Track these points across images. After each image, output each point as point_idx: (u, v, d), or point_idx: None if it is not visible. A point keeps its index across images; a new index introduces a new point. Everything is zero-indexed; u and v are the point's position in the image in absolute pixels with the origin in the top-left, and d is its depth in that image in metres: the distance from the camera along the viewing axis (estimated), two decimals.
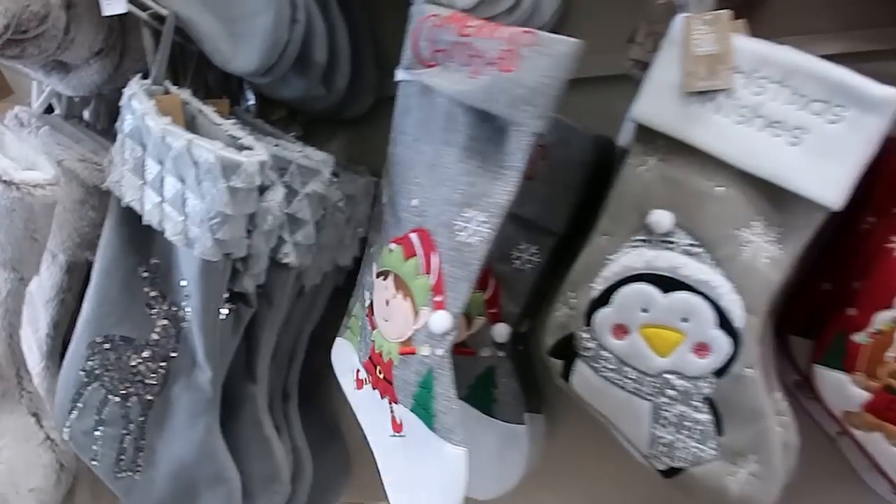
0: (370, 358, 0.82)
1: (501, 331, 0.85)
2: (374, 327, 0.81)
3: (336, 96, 0.91)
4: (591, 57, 0.91)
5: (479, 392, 0.87)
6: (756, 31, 0.82)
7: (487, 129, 0.68)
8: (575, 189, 0.80)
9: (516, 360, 0.88)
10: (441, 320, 0.72)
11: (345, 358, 0.93)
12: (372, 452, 0.85)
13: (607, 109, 0.80)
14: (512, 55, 0.65)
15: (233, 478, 0.85)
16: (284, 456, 0.90)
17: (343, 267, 0.94)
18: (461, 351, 0.86)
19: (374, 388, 0.82)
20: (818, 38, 0.83)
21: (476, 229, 0.69)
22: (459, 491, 0.76)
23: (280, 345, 0.94)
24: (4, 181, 0.77)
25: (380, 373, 0.80)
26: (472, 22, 0.69)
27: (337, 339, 0.94)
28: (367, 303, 0.85)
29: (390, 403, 0.79)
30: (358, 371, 0.89)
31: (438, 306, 0.73)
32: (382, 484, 1.04)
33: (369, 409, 0.83)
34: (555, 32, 0.91)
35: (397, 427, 0.80)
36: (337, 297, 0.99)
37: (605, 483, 0.98)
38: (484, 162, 0.69)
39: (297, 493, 0.96)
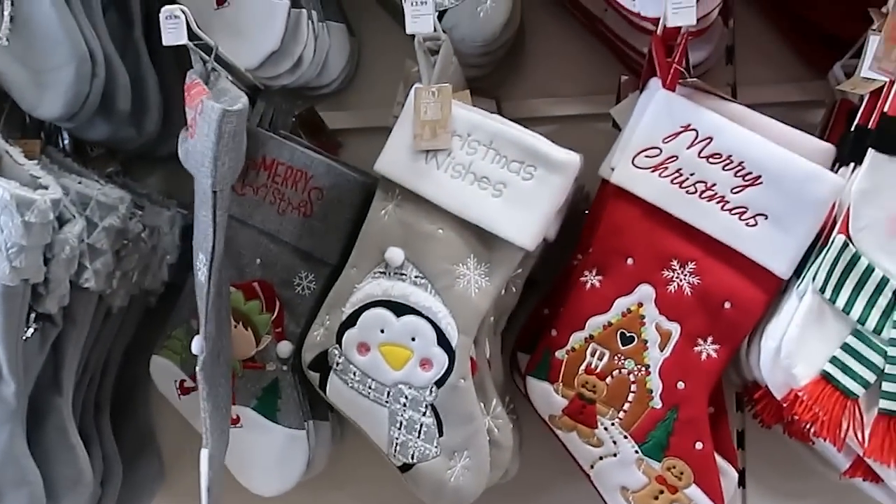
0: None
1: (285, 348, 0.97)
2: None
3: (147, 137, 1.01)
4: (377, 110, 1.05)
5: (265, 401, 0.98)
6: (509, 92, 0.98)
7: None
8: (344, 226, 0.92)
9: (300, 374, 0.99)
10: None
11: (165, 372, 1.03)
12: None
13: None
14: (194, 122, 0.77)
15: (35, 481, 0.94)
16: (87, 461, 0.99)
17: (152, 290, 1.04)
18: (251, 365, 0.98)
19: None
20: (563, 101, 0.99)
21: (201, 268, 0.81)
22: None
23: (90, 360, 1.03)
24: None
25: None
26: (191, 90, 0.80)
27: (154, 356, 1.04)
28: (195, 328, 0.97)
29: None
30: (183, 381, 1.02)
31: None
32: (197, 487, 1.16)
33: (198, 411, 0.94)
34: (343, 89, 1.06)
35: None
36: (149, 317, 1.09)
37: (390, 482, 1.10)
38: (201, 212, 0.81)
39: (107, 494, 1.05)
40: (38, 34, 0.88)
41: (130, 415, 1.13)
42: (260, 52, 0.96)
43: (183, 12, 0.81)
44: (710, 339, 0.82)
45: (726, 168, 0.80)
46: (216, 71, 0.87)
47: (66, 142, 1.03)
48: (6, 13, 0.89)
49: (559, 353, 0.86)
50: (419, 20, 0.80)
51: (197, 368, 0.85)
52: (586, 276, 0.85)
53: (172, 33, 0.82)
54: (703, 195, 0.81)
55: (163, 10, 0.81)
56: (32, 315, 0.91)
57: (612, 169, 0.84)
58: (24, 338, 0.91)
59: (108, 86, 0.91)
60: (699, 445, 0.82)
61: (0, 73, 0.89)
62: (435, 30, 0.79)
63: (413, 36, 0.81)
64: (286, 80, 0.99)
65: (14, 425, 0.93)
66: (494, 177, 0.79)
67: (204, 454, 0.86)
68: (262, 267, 0.96)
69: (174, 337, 1.02)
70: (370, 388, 0.86)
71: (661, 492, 0.83)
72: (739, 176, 0.79)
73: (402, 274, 0.83)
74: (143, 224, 0.98)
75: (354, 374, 0.86)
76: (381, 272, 0.85)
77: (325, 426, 1.03)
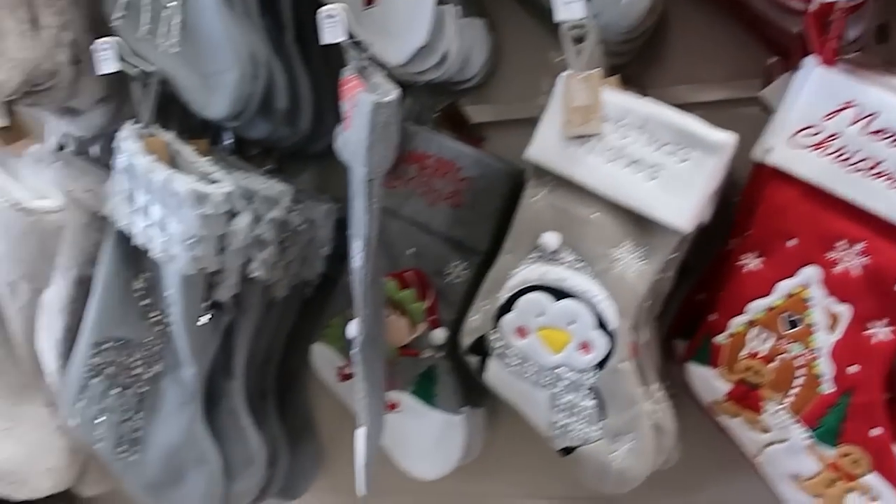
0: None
1: (440, 335, 0.99)
2: None
3: (301, 135, 1.06)
4: (517, 103, 1.06)
5: (422, 387, 1.01)
6: (652, 79, 0.97)
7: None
8: (493, 214, 0.94)
9: (455, 361, 1.02)
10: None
11: (325, 359, 1.08)
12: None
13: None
14: (349, 115, 0.80)
15: (214, 460, 1.00)
16: (260, 443, 1.05)
17: (309, 281, 1.09)
18: (407, 352, 1.01)
19: None
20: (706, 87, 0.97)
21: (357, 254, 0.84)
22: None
23: (255, 349, 1.09)
24: (22, 208, 0.94)
25: None
26: (347, 85, 0.83)
27: (313, 345, 1.09)
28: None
29: None
30: (342, 368, 1.06)
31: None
32: (351, 472, 1.20)
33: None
34: (484, 83, 1.07)
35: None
36: (307, 308, 1.14)
37: (543, 471, 1.11)
38: (356, 201, 0.83)
39: (273, 477, 1.11)
40: (205, 40, 0.94)
41: (290, 402, 1.19)
42: (408, 48, 0.98)
43: (340, 10, 0.84)
44: (883, 321, 0.78)
45: (893, 144, 0.76)
46: (370, 67, 0.90)
47: (229, 141, 1.09)
48: (176, 22, 0.96)
49: (719, 338, 0.84)
50: (569, 7, 0.80)
51: (353, 350, 0.89)
52: (745, 259, 0.83)
53: (330, 31, 0.85)
54: (869, 173, 0.77)
55: (322, 9, 0.85)
56: (206, 304, 0.98)
57: (769, 150, 0.81)
58: (199, 325, 0.97)
59: (267, 87, 0.96)
60: (876, 432, 0.78)
61: (172, 77, 0.95)
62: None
63: (552, 28, 0.81)
64: (432, 76, 1.01)
65: (194, 407, 1.00)
66: (648, 160, 0.78)
67: (360, 433, 0.89)
68: (414, 257, 0.99)
69: (332, 325, 1.07)
70: (529, 371, 0.86)
71: (836, 480, 0.80)
72: None
73: (558, 258, 0.83)
74: (302, 217, 1.02)
75: (514, 357, 0.87)
76: (536, 257, 0.85)
77: (479, 413, 1.05)
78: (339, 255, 1.11)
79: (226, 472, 1.02)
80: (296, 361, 1.18)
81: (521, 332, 0.87)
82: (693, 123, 0.77)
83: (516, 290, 0.86)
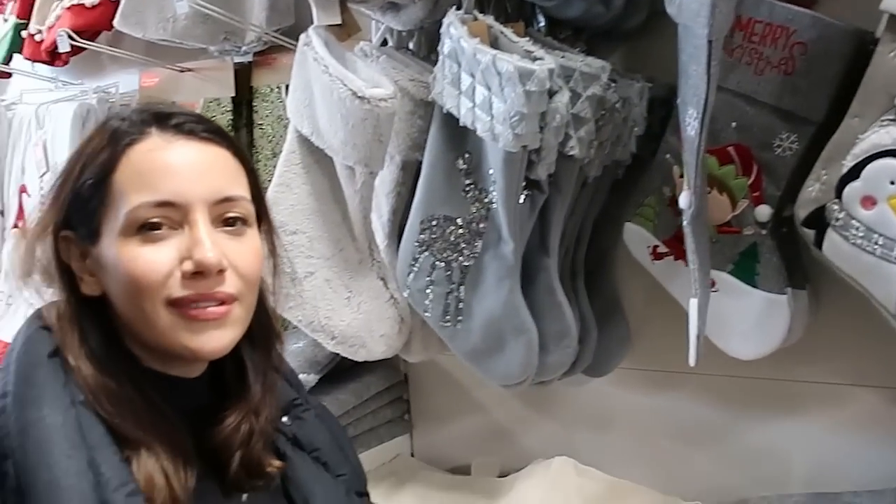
0: (674, 237, 1.00)
1: (763, 211, 0.95)
2: (677, 214, 0.94)
3: (614, 13, 1.04)
4: None
5: (743, 266, 0.98)
6: None
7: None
8: (832, 81, 0.86)
9: (778, 240, 0.97)
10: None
11: (638, 238, 1.09)
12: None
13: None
14: None
15: (532, 330, 1.05)
16: (574, 318, 1.09)
17: (621, 161, 1.09)
18: (726, 230, 0.98)
19: (675, 259, 1.01)
20: None
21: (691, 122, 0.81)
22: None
23: (567, 229, 1.11)
24: (360, 97, 1.02)
25: None
26: None
27: (627, 224, 1.10)
28: (667, 196, 1.02)
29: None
30: (656, 247, 1.06)
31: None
32: (658, 352, 1.20)
33: (670, 275, 1.02)
34: None
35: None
36: (616, 190, 1.14)
37: (867, 358, 1.04)
38: (691, 66, 0.79)
39: (583, 353, 1.14)
40: None
41: (599, 282, 1.21)
42: None
43: None
44: None
45: None
46: None
47: (542, 24, 1.09)
48: None
49: None
50: None
51: (685, 223, 0.88)
52: None
53: None
54: None
55: None
56: (523, 183, 1.01)
57: None
58: (518, 202, 1.01)
59: None
60: None
61: None
62: None
63: None
64: None
65: (512, 280, 1.05)
66: None
67: (693, 304, 0.88)
68: (737, 130, 0.95)
69: (646, 205, 1.06)
70: (876, 244, 0.80)
71: None
72: None
73: None
74: (617, 95, 1.01)
75: (857, 229, 0.81)
76: (890, 119, 0.78)
77: (802, 295, 0.99)
78: (651, 135, 1.10)
79: (541, 345, 1.07)
80: (605, 242, 1.19)
81: (868, 201, 0.80)
82: None
83: (865, 156, 0.80)
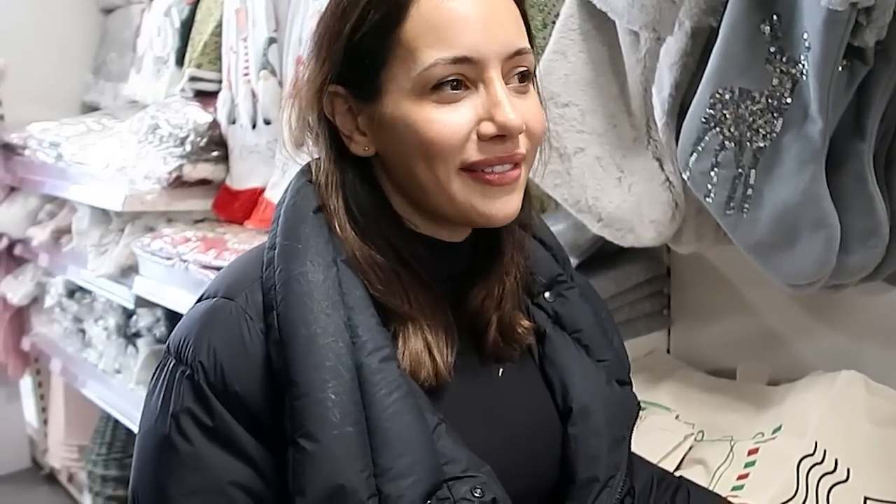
0: None
1: None
2: None
3: None
4: None
5: None
6: None
7: None
8: None
9: None
10: None
11: None
12: None
13: None
14: None
15: (834, 224, 0.92)
16: (886, 214, 0.94)
17: None
18: None
19: None
20: None
21: None
22: None
23: (888, 110, 0.95)
24: None
25: None
26: None
27: None
28: None
29: None
30: None
31: None
32: None
33: None
34: None
35: None
36: None
37: None
38: None
39: (890, 256, 0.99)
40: None
41: None
42: None
43: None
44: None
45: None
46: None
47: None
48: None
49: None
50: None
51: None
52: None
53: None
54: None
55: None
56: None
57: None
58: (838, 71, 0.87)
59: None
60: None
61: None
62: None
63: None
64: None
65: (817, 166, 0.92)
66: None
67: None
68: None
69: None
70: None
71: None
72: None
73: None
74: None
75: None
76: None
77: None
78: None
79: (843, 242, 0.94)
80: None
81: None
82: None
83: None
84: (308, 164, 0.76)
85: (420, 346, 0.70)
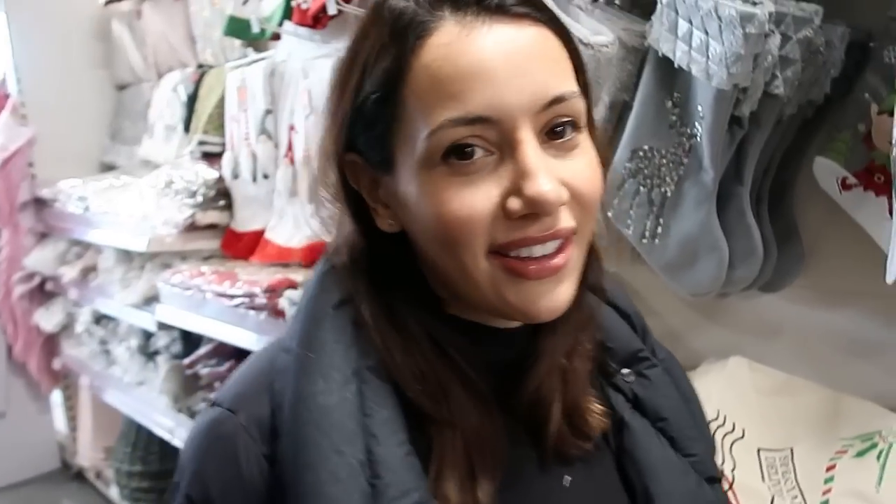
0: (864, 169, 0.90)
1: None
2: (871, 148, 0.85)
3: None
4: None
5: None
6: None
7: None
8: None
9: None
10: None
11: (828, 171, 0.97)
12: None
13: None
14: None
15: (724, 248, 0.99)
16: (760, 239, 1.01)
17: (814, 101, 0.98)
18: None
19: (864, 190, 0.90)
20: None
21: None
22: None
23: (759, 160, 1.02)
24: (584, 43, 0.97)
25: (878, 178, 0.87)
26: None
27: (817, 158, 0.98)
28: (862, 132, 0.91)
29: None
30: (845, 179, 0.94)
31: None
32: (831, 272, 1.10)
33: (858, 205, 0.91)
34: None
35: None
36: (803, 129, 1.03)
37: None
38: None
39: (764, 269, 1.06)
40: None
41: (780, 208, 1.11)
42: None
43: None
44: None
45: None
46: None
47: None
48: None
49: None
50: None
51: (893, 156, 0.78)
52: None
53: None
54: None
55: None
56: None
57: None
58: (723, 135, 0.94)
59: None
60: None
61: None
62: None
63: None
64: None
65: (710, 205, 0.98)
66: None
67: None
68: None
69: (839, 140, 0.95)
70: None
71: None
72: None
73: None
74: (822, 39, 0.91)
75: None
76: None
77: None
78: (842, 77, 0.97)
79: (730, 261, 1.01)
80: (787, 174, 1.09)
81: None
82: None
83: None
84: (335, 247, 0.55)
85: (457, 462, 0.48)
